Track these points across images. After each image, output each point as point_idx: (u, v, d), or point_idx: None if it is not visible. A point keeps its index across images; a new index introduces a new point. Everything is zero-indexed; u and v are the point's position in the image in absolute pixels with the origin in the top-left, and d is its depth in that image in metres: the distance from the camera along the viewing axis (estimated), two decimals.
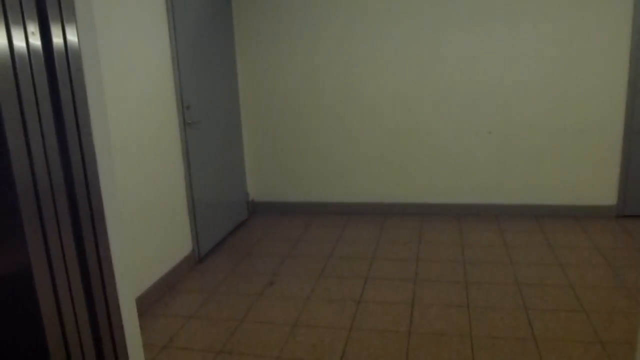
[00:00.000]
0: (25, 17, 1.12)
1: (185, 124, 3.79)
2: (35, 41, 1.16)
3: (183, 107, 3.75)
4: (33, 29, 1.15)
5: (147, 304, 3.29)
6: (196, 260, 4.00)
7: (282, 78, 4.92)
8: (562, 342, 2.69)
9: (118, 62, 3.03)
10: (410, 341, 2.77)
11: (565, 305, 3.08)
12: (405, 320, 2.99)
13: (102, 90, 1.46)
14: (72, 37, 1.28)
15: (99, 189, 1.41)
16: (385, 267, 3.76)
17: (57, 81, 1.23)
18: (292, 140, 5.05)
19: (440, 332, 2.85)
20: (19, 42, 1.11)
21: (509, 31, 4.43)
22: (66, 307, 1.26)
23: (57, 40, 1.22)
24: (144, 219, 3.32)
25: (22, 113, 1.12)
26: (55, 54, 1.22)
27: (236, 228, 4.80)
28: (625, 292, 3.20)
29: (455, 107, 4.66)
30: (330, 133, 4.95)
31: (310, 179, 5.12)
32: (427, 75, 4.65)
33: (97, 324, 1.39)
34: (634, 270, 3.49)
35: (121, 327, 1.51)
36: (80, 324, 1.32)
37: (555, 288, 3.30)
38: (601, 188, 4.60)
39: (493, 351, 2.64)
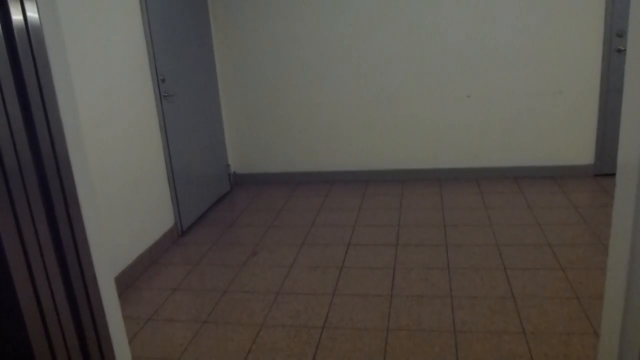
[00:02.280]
0: None
1: (162, 97, 3.75)
2: None
3: (158, 79, 3.70)
4: None
5: (131, 277, 3.30)
6: (179, 234, 4.00)
7: (259, 48, 4.86)
8: (540, 298, 2.76)
9: (88, 36, 2.98)
10: (392, 304, 2.82)
11: (543, 263, 3.14)
12: (387, 284, 3.03)
13: (68, 66, 1.44)
14: (32, 13, 1.25)
15: (69, 165, 1.40)
16: (367, 233, 3.80)
17: (19, 58, 1.21)
18: (272, 111, 5.02)
19: (421, 294, 2.90)
20: None
21: None
22: (43, 289, 1.26)
23: (16, 17, 1.20)
24: (124, 193, 3.30)
25: None
26: (15, 31, 1.19)
27: (218, 200, 4.80)
28: (602, 248, 3.27)
29: (433, 72, 4.66)
30: (310, 103, 4.93)
31: (291, 149, 5.11)
32: (405, 42, 4.62)
33: (76, 302, 1.40)
34: (610, 227, 3.56)
35: (100, 303, 1.52)
36: (58, 301, 1.32)
37: (534, 247, 3.36)
38: (579, 148, 4.65)
39: (473, 310, 2.70)
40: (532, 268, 3.09)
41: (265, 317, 2.79)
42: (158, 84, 3.70)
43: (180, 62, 4.07)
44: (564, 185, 4.49)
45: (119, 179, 3.26)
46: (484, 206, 4.13)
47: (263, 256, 3.56)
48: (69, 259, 1.36)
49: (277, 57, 4.86)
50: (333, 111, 4.92)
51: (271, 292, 3.05)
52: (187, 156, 4.15)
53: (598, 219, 3.74)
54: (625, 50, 4.29)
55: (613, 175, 4.61)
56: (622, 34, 4.29)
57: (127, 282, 3.25)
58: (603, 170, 4.64)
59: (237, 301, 2.99)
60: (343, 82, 4.82)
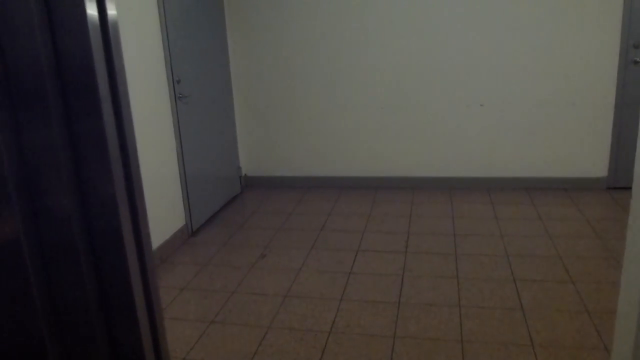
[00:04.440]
0: None
1: (177, 98, 3.77)
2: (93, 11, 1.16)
3: (174, 81, 3.72)
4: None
5: None
6: (189, 234, 4.01)
7: (274, 51, 4.88)
8: (550, 311, 2.73)
9: None
10: (400, 311, 2.81)
11: (554, 275, 3.12)
12: (395, 291, 3.02)
13: None
14: (111, 10, 1.26)
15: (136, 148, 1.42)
16: (377, 239, 3.79)
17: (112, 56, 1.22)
18: (284, 115, 5.04)
19: (429, 302, 2.89)
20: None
21: (502, 3, 4.39)
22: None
23: (91, 12, 1.21)
24: None
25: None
26: (109, 24, 1.21)
27: (229, 202, 4.82)
28: (614, 262, 3.25)
29: (447, 80, 4.65)
30: (323, 108, 4.94)
31: (302, 153, 5.12)
32: (418, 49, 4.62)
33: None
34: (623, 241, 3.53)
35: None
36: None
37: (544, 259, 3.34)
38: (592, 160, 4.62)
39: (481, 320, 2.68)
40: (542, 280, 3.07)
41: (273, 320, 2.79)
42: (173, 85, 3.72)
43: (196, 64, 4.09)
44: (576, 197, 4.46)
45: None
46: (494, 216, 4.11)
47: (272, 259, 3.56)
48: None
49: (291, 62, 4.87)
50: (345, 117, 4.92)
51: (279, 295, 3.05)
52: (199, 157, 4.16)
53: (610, 232, 3.71)
54: None
55: (627, 188, 4.57)
56: (639, 45, 4.26)
57: None
58: (617, 183, 4.60)
59: (244, 302, 2.99)
60: (355, 88, 4.82)
